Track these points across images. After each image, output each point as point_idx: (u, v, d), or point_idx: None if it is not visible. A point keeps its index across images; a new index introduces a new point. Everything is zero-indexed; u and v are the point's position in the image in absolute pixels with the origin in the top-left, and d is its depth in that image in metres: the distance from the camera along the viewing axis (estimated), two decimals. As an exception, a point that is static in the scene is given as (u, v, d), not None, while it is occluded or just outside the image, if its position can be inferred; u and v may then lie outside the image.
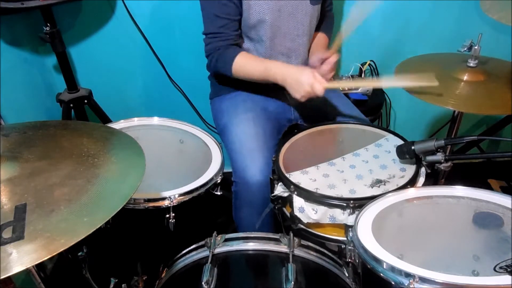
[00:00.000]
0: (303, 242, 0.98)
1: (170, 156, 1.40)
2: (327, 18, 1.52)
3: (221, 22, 1.27)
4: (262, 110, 1.39)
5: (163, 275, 1.01)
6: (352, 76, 1.78)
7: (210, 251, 0.95)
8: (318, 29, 1.48)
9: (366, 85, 1.43)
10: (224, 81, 1.42)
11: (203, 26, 1.32)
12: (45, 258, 0.59)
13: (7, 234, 0.62)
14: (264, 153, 1.25)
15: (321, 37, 1.50)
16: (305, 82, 1.17)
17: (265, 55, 1.37)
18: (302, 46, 1.40)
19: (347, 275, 0.96)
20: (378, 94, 1.78)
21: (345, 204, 1.01)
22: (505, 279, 0.77)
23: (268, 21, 1.29)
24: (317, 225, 1.09)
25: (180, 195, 1.10)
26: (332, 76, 1.31)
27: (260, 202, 1.23)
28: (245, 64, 1.29)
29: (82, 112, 1.70)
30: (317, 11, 1.39)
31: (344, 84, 1.32)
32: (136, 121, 1.40)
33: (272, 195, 1.15)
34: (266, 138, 1.31)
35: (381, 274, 0.81)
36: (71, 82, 1.67)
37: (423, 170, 1.13)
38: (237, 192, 1.28)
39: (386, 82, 1.44)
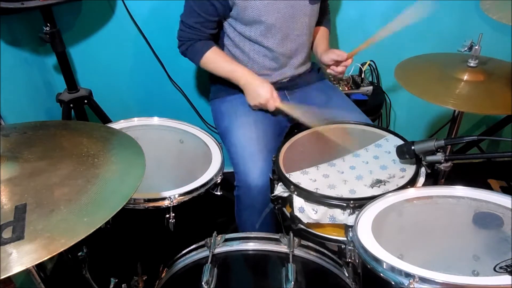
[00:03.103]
0: (303, 242, 0.98)
1: (170, 156, 1.40)
2: (324, 10, 1.54)
3: (198, 18, 1.31)
4: (263, 112, 1.39)
5: (163, 275, 1.01)
6: (352, 76, 1.79)
7: (210, 251, 0.95)
8: (318, 23, 1.50)
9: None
10: (224, 83, 1.42)
11: (183, 12, 1.35)
12: (45, 258, 0.59)
13: (7, 234, 0.62)
14: (266, 156, 1.25)
15: (323, 31, 1.54)
16: (262, 96, 1.31)
17: (265, 54, 1.37)
18: (302, 45, 1.41)
19: (347, 275, 0.96)
20: (378, 94, 1.78)
21: (345, 204, 1.01)
22: (505, 279, 0.77)
23: (266, 22, 1.29)
24: (317, 225, 1.09)
25: (180, 195, 1.10)
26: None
27: (262, 205, 1.23)
28: (214, 61, 1.37)
29: (82, 112, 1.70)
30: (316, 10, 1.40)
31: (292, 111, 1.35)
32: (136, 121, 1.40)
33: (272, 195, 1.15)
34: (268, 140, 1.31)
35: (381, 274, 0.81)
36: (71, 82, 1.67)
37: (423, 170, 1.13)
38: (239, 197, 1.28)
39: (380, 35, 1.31)
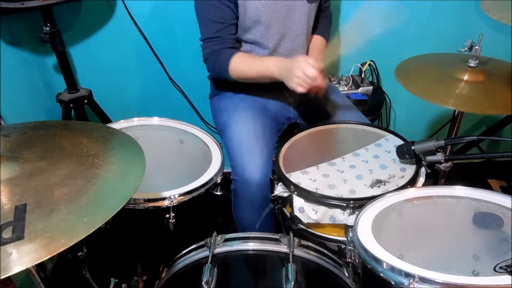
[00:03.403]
0: (303, 242, 0.98)
1: (170, 156, 1.40)
2: (324, 18, 1.51)
3: (217, 26, 1.27)
4: (261, 108, 1.39)
5: (163, 275, 1.01)
6: (352, 76, 1.79)
7: (210, 251, 0.95)
8: (314, 30, 1.46)
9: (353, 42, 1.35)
10: (224, 80, 1.42)
11: (200, 32, 1.32)
12: (45, 258, 0.59)
13: (7, 234, 0.62)
14: (263, 151, 1.25)
15: (318, 40, 1.48)
16: (296, 69, 1.14)
17: (264, 55, 1.36)
18: (301, 45, 1.40)
19: (347, 275, 0.96)
20: (378, 94, 1.78)
21: (345, 204, 1.01)
22: (505, 279, 0.77)
23: (265, 22, 1.29)
24: (317, 225, 1.09)
25: (180, 195, 1.10)
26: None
27: (260, 200, 1.23)
28: (242, 64, 1.29)
29: (82, 112, 1.70)
30: (315, 9, 1.39)
31: (332, 57, 1.27)
32: (136, 121, 1.40)
33: (272, 195, 1.15)
34: (265, 136, 1.31)
35: (381, 274, 0.81)
36: (71, 82, 1.67)
37: (423, 170, 1.13)
38: (236, 190, 1.27)
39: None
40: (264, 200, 1.22)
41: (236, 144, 1.29)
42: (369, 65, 1.81)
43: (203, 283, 0.86)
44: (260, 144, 1.27)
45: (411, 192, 1.03)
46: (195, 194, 1.12)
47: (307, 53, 1.45)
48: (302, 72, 1.13)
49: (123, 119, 1.40)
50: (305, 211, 1.05)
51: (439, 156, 1.08)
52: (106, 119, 1.73)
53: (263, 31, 1.31)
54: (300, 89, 1.16)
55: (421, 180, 1.11)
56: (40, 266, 0.90)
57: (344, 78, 1.79)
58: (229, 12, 1.26)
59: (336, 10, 1.76)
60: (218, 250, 0.97)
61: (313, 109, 1.44)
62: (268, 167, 1.20)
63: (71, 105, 1.66)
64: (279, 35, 1.34)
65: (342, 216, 1.02)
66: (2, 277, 0.55)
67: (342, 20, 1.78)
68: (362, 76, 1.77)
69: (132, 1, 1.67)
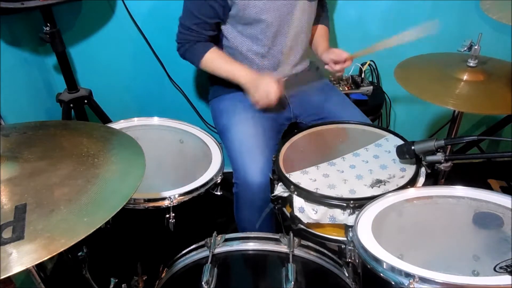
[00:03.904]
0: (303, 242, 0.98)
1: (170, 156, 1.40)
2: (322, 8, 1.54)
3: (196, 20, 1.31)
4: (261, 109, 1.39)
5: (163, 275, 1.01)
6: (352, 76, 1.79)
7: (210, 251, 0.95)
8: (317, 21, 1.51)
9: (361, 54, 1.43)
10: (223, 82, 1.42)
11: (182, 14, 1.35)
12: (45, 258, 0.59)
13: (7, 234, 0.62)
14: (264, 153, 1.25)
15: (322, 29, 1.55)
16: (262, 88, 1.27)
17: (263, 54, 1.37)
18: (301, 43, 1.41)
19: (347, 275, 0.96)
20: (378, 94, 1.78)
21: (345, 204, 1.01)
22: (505, 279, 0.77)
23: (266, 20, 1.29)
24: (317, 225, 1.09)
25: (180, 195, 1.10)
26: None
27: (261, 202, 1.23)
28: (214, 61, 1.37)
29: (82, 112, 1.70)
30: (314, 8, 1.41)
31: (294, 89, 1.37)
32: (136, 121, 1.40)
33: (272, 195, 1.15)
34: (266, 137, 1.31)
35: (381, 274, 0.81)
36: (71, 82, 1.67)
37: (423, 170, 1.13)
38: (238, 194, 1.28)
39: (387, 43, 1.30)
40: (265, 202, 1.22)
41: (237, 147, 1.29)
42: (369, 65, 1.81)
43: (203, 283, 0.86)
44: (261, 146, 1.27)
45: (411, 192, 1.03)
46: (195, 194, 1.12)
47: (310, 43, 1.52)
48: (266, 93, 1.27)
49: (123, 119, 1.40)
50: (305, 211, 1.05)
51: (439, 156, 1.08)
52: (106, 119, 1.73)
53: (263, 28, 1.31)
54: (258, 106, 1.32)
55: (421, 180, 1.11)
56: (40, 266, 0.90)
57: (344, 78, 1.79)
58: (210, 11, 1.29)
59: (335, 10, 1.76)
60: (218, 250, 0.97)
61: (312, 108, 1.44)
62: (269, 170, 1.20)
63: (71, 105, 1.66)
64: (279, 33, 1.34)
65: (342, 216, 1.02)
66: (2, 277, 0.55)
67: (342, 21, 1.78)
68: (362, 76, 1.77)
69: (132, 1, 1.67)
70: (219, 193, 1.20)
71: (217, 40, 1.41)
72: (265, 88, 1.27)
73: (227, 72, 1.36)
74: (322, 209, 1.03)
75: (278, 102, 1.30)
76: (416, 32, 1.19)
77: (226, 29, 1.36)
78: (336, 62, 1.39)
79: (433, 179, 1.23)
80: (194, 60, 1.38)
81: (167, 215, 1.09)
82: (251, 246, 0.98)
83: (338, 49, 1.42)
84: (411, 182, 1.07)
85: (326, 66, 1.46)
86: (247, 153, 1.26)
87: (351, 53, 1.39)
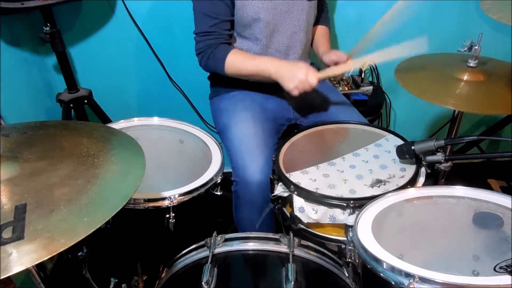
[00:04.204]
0: (303, 242, 0.98)
1: (170, 156, 1.40)
2: (323, 8, 1.54)
3: (212, 21, 1.28)
4: (261, 109, 1.39)
5: (163, 275, 1.01)
6: (352, 76, 1.79)
7: (210, 251, 0.95)
8: (318, 21, 1.50)
9: (355, 66, 1.41)
10: (223, 81, 1.42)
11: (194, 26, 1.33)
12: (45, 258, 0.59)
13: (7, 234, 0.62)
14: (264, 152, 1.25)
15: (322, 30, 1.54)
16: (300, 71, 1.19)
17: (261, 53, 1.37)
18: (299, 43, 1.40)
19: (347, 275, 0.96)
20: (378, 94, 1.78)
21: (345, 204, 1.01)
22: (505, 279, 0.77)
23: (264, 19, 1.29)
24: (317, 225, 1.09)
25: (180, 195, 1.10)
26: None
27: (260, 202, 1.23)
28: (238, 60, 1.31)
29: (82, 112, 1.70)
30: (314, 7, 1.40)
31: (334, 72, 1.32)
32: (136, 121, 1.40)
33: (272, 195, 1.15)
34: (265, 137, 1.31)
35: (381, 274, 0.81)
36: (71, 82, 1.67)
37: (423, 170, 1.13)
38: (237, 192, 1.27)
39: (376, 57, 1.33)
40: (264, 202, 1.22)
41: (237, 146, 1.29)
42: (369, 65, 1.81)
43: (203, 283, 0.86)
44: (260, 145, 1.27)
45: (411, 192, 1.03)
46: (195, 194, 1.12)
47: (311, 44, 1.51)
48: (305, 77, 1.18)
49: (123, 119, 1.40)
50: (305, 211, 1.05)
51: (439, 156, 1.08)
52: (106, 119, 1.73)
53: (262, 28, 1.31)
54: (296, 92, 1.22)
55: (421, 180, 1.11)
56: (40, 266, 0.90)
57: (344, 78, 1.79)
58: (224, 8, 1.27)
59: (334, 10, 1.76)
60: (218, 250, 0.97)
61: (312, 109, 1.44)
62: (269, 169, 1.20)
63: (71, 105, 1.66)
64: (276, 31, 1.34)
65: (342, 216, 1.02)
66: (2, 277, 0.55)
67: (342, 21, 1.79)
68: (362, 76, 1.77)
69: (132, 1, 1.67)
70: (219, 193, 1.20)
71: (234, 40, 1.38)
72: (304, 71, 1.19)
73: (254, 67, 1.29)
74: (322, 209, 1.03)
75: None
76: (405, 49, 1.17)
77: None
78: (337, 64, 1.39)
79: (433, 179, 1.23)
80: (218, 66, 1.31)
81: (167, 215, 1.09)
82: (251, 246, 0.98)
83: (338, 50, 1.42)
84: (411, 182, 1.07)
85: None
86: (247, 152, 1.26)
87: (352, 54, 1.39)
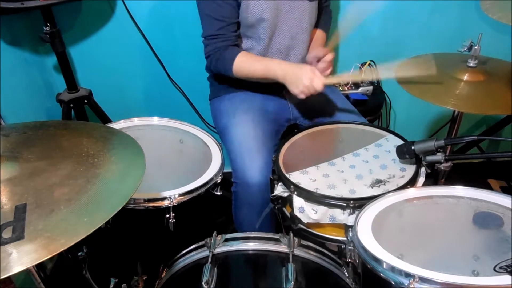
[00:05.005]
0: (303, 242, 0.98)
1: (170, 156, 1.40)
2: (324, 14, 1.53)
3: (219, 24, 1.28)
4: (261, 110, 1.39)
5: (163, 275, 1.01)
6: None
7: (210, 251, 0.95)
8: (316, 26, 1.49)
9: (363, 78, 1.41)
10: (223, 82, 1.42)
11: (202, 29, 1.32)
12: (45, 258, 0.59)
13: (7, 234, 0.62)
14: (264, 154, 1.25)
15: (319, 34, 1.52)
16: (304, 77, 1.19)
17: (263, 53, 1.37)
18: (301, 43, 1.41)
19: (347, 275, 0.96)
20: (378, 94, 1.78)
21: (345, 204, 1.01)
22: (505, 279, 0.77)
23: (267, 19, 1.29)
24: (317, 225, 1.09)
25: (180, 195, 1.10)
26: (329, 74, 1.34)
27: (260, 203, 1.23)
28: (246, 63, 1.31)
29: (82, 112, 1.70)
30: (315, 7, 1.40)
31: (342, 79, 1.32)
32: (136, 121, 1.40)
33: (272, 195, 1.15)
34: (266, 138, 1.31)
35: (381, 274, 0.81)
36: (71, 82, 1.67)
37: (423, 170, 1.13)
38: (237, 193, 1.28)
39: (383, 73, 1.40)
40: (264, 203, 1.22)
41: (237, 147, 1.29)
42: (369, 65, 1.81)
43: (203, 283, 0.86)
44: (261, 147, 1.27)
45: (411, 192, 1.03)
46: (195, 194, 1.12)
47: (308, 47, 1.47)
48: (311, 82, 1.19)
49: (123, 119, 1.40)
50: (305, 211, 1.05)
51: (439, 156, 1.08)
52: (106, 119, 1.73)
53: (265, 28, 1.31)
54: (302, 96, 1.23)
55: (421, 180, 1.11)
56: (40, 266, 0.90)
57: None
58: (230, 10, 1.27)
59: (335, 10, 1.76)
60: (218, 250, 0.97)
61: (312, 109, 1.44)
62: (269, 170, 1.20)
63: (71, 105, 1.66)
64: (279, 32, 1.34)
65: (342, 216, 1.02)
66: (2, 277, 0.55)
67: (342, 21, 1.78)
68: (362, 76, 1.77)
69: (132, 1, 1.67)
70: (219, 193, 1.20)
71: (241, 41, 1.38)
72: (309, 76, 1.19)
73: (262, 71, 1.30)
74: (322, 209, 1.03)
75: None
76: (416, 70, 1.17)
77: None
78: (318, 60, 1.36)
79: (433, 179, 1.23)
80: (227, 67, 1.32)
81: (167, 215, 1.09)
82: (251, 246, 0.98)
83: (320, 47, 1.40)
84: (411, 182, 1.07)
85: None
86: (247, 154, 1.26)
87: (351, 53, 1.38)
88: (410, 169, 1.13)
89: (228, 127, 1.36)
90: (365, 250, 0.85)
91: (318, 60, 1.35)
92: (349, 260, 0.96)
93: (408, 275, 0.77)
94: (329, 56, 1.32)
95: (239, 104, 1.41)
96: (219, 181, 1.19)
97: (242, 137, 1.30)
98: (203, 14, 1.30)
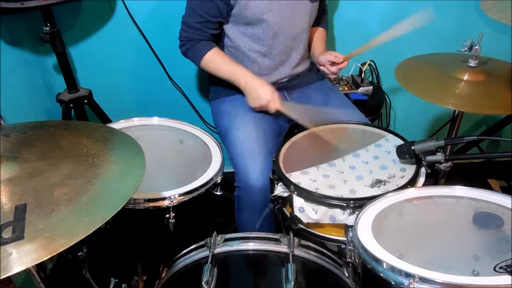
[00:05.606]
0: (303, 242, 0.98)
1: (170, 156, 1.40)
2: (322, 9, 1.55)
3: (199, 18, 1.31)
4: (262, 112, 1.39)
5: (163, 275, 1.01)
6: (352, 76, 1.79)
7: (210, 251, 0.95)
8: (316, 23, 1.51)
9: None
10: (224, 84, 1.42)
11: (184, 13, 1.35)
12: (45, 258, 0.59)
13: (7, 234, 0.61)
14: (266, 157, 1.25)
15: (321, 31, 1.56)
16: (263, 97, 1.30)
17: (264, 53, 1.37)
18: (302, 43, 1.42)
19: (347, 275, 0.96)
20: (378, 94, 1.78)
21: (345, 204, 1.01)
22: (505, 279, 0.77)
23: (267, 20, 1.29)
24: (317, 225, 1.09)
25: (180, 195, 1.10)
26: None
27: (263, 206, 1.23)
28: (213, 63, 1.36)
29: (82, 112, 1.70)
30: (316, 7, 1.41)
31: (292, 113, 1.34)
32: (136, 121, 1.40)
33: (272, 195, 1.15)
34: (267, 140, 1.31)
35: (381, 274, 0.81)
36: (71, 82, 1.67)
37: (423, 170, 1.13)
38: (239, 197, 1.28)
39: (384, 37, 1.32)
40: (266, 205, 1.22)
41: (239, 151, 1.29)
42: (369, 65, 1.81)
43: (203, 283, 0.86)
44: (262, 150, 1.27)
45: (411, 192, 1.03)
46: (195, 194, 1.12)
47: (310, 45, 1.52)
48: (267, 104, 1.30)
49: (123, 119, 1.40)
50: (305, 211, 1.05)
51: (439, 156, 1.08)
52: (106, 119, 1.73)
53: (266, 29, 1.31)
54: (255, 109, 1.35)
55: (421, 180, 1.11)
56: (40, 266, 0.90)
57: (344, 78, 1.80)
58: (214, 10, 1.29)
59: (334, 10, 1.76)
60: (218, 250, 0.97)
61: (313, 109, 1.44)
62: (270, 172, 1.20)
63: (71, 105, 1.65)
64: (280, 32, 1.34)
65: (342, 216, 1.02)
66: (2, 277, 0.55)
67: (342, 21, 1.78)
68: (362, 76, 1.77)
69: (132, 1, 1.67)
70: (219, 193, 1.20)
71: (219, 39, 1.41)
72: (267, 98, 1.29)
73: (226, 73, 1.36)
74: (322, 209, 1.03)
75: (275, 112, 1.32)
76: (410, 23, 1.20)
77: (228, 28, 1.35)
78: (332, 64, 1.41)
79: (433, 179, 1.23)
80: (195, 59, 1.38)
81: (167, 215, 1.09)
82: (251, 246, 0.98)
83: (334, 51, 1.44)
84: (411, 182, 1.07)
85: (321, 68, 1.47)
86: (249, 157, 1.26)
87: (350, 52, 1.39)
88: (410, 169, 1.13)
89: (229, 129, 1.36)
90: (365, 250, 0.85)
91: (331, 63, 1.41)
92: (349, 260, 0.96)
93: (408, 275, 0.77)
94: (344, 64, 1.40)
95: (239, 106, 1.41)
96: (219, 181, 1.19)
97: (243, 140, 1.30)
98: (189, 1, 1.33)
